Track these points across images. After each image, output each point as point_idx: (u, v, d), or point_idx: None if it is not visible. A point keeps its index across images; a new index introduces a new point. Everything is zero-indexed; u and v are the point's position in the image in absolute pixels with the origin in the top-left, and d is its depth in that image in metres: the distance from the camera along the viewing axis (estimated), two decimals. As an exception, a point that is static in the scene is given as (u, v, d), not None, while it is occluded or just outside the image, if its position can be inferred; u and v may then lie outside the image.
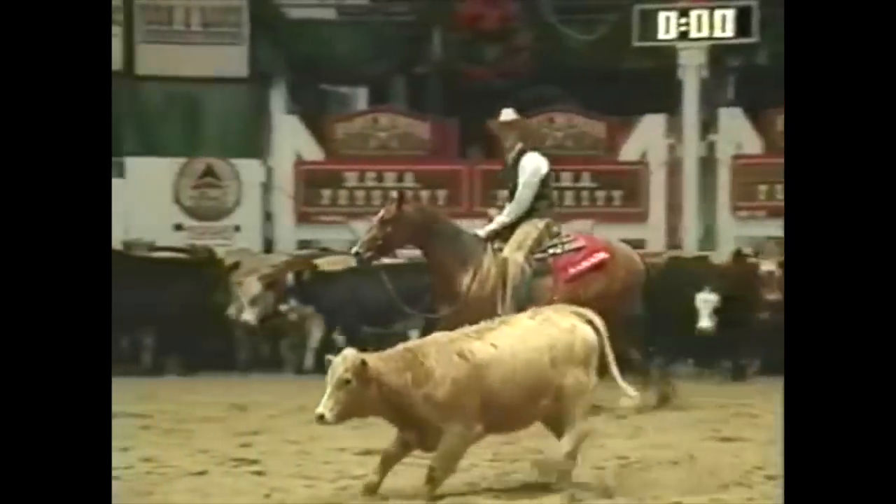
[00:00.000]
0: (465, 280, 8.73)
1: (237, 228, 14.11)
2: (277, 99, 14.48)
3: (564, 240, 9.08)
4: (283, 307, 11.56)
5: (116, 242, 13.45)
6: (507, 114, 9.17)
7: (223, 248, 13.53)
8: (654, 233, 14.05)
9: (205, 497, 5.79)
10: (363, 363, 5.53)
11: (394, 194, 9.67)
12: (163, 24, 14.27)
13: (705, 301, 11.20)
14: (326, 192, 14.11)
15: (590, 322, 5.84)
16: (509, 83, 14.26)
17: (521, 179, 9.00)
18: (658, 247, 13.81)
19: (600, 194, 14.07)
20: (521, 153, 9.07)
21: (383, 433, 7.47)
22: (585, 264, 9.02)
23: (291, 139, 14.25)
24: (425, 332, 11.06)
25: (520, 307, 8.28)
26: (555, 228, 9.12)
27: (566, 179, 14.00)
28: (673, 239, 14.06)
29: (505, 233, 9.04)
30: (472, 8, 14.38)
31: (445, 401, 5.51)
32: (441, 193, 13.94)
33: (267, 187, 14.22)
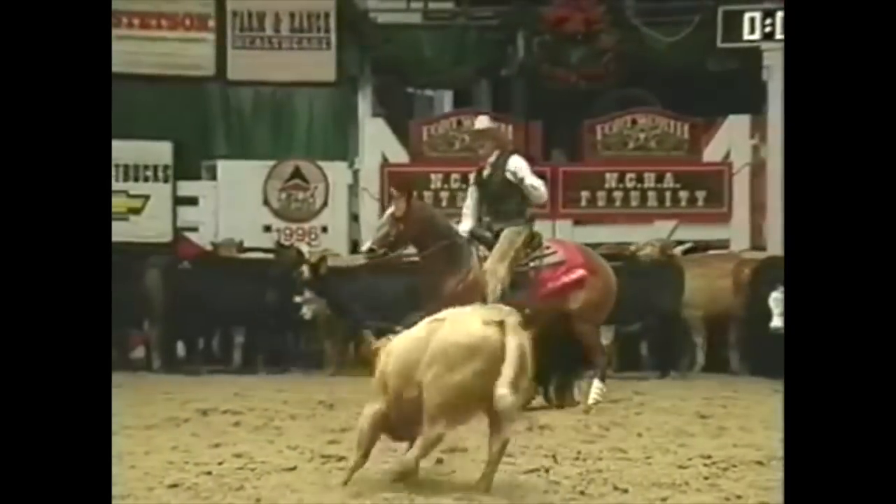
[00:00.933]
0: (452, 284, 8.73)
1: (324, 229, 14.20)
2: (364, 102, 14.50)
3: (545, 252, 9.06)
4: (297, 298, 11.60)
5: (206, 244, 13.78)
6: (483, 121, 9.13)
7: (310, 248, 13.67)
8: (737, 233, 13.92)
9: (294, 492, 5.85)
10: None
11: (393, 191, 9.66)
12: (254, 29, 14.40)
13: (777, 300, 11.02)
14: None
15: (501, 323, 5.56)
16: (593, 85, 14.36)
17: (521, 175, 8.93)
18: (742, 247, 13.69)
19: (683, 195, 13.97)
20: (502, 158, 9.00)
21: (464, 432, 7.58)
22: (565, 280, 9.03)
23: (377, 142, 14.29)
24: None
25: None
26: (536, 239, 9.10)
27: (649, 180, 14.01)
28: (757, 240, 13.90)
29: (489, 240, 9.02)
30: (557, 11, 14.35)
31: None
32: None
33: (353, 189, 14.27)
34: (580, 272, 9.06)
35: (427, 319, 5.79)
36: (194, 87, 14.32)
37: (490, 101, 15.39)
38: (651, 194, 13.92)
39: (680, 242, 13.45)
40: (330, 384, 10.68)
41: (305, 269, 11.64)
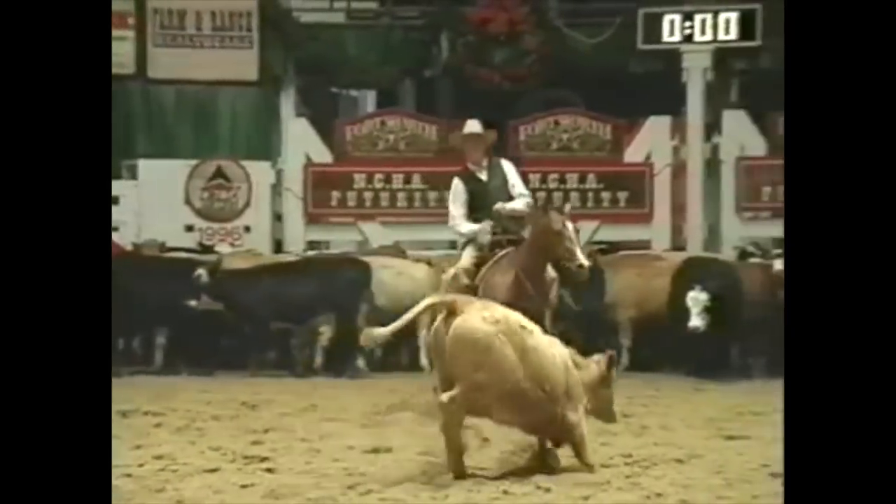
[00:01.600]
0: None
1: (247, 229, 14.17)
2: (287, 102, 14.56)
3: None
4: (192, 303, 11.56)
5: (127, 244, 13.59)
6: (475, 125, 8.93)
7: (232, 249, 13.61)
8: (658, 233, 14.06)
9: (216, 493, 5.80)
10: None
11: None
12: (175, 27, 14.32)
13: (696, 300, 11.15)
14: (335, 194, 14.19)
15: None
16: (517, 86, 14.52)
17: (514, 181, 8.80)
18: (662, 247, 13.81)
19: (605, 195, 14.13)
20: (495, 162, 8.91)
21: (391, 432, 7.57)
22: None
23: (301, 141, 14.31)
24: (339, 326, 11.43)
25: None
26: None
27: (571, 181, 14.12)
28: (677, 240, 14.05)
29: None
30: (481, 12, 14.44)
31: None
32: (448, 195, 13.97)
33: (277, 189, 14.30)
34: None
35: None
36: (115, 85, 13.86)
37: (414, 101, 15.48)
38: (573, 194, 13.97)
39: (597, 244, 13.65)
40: (253, 385, 10.59)
41: (203, 272, 11.55)
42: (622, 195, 14.08)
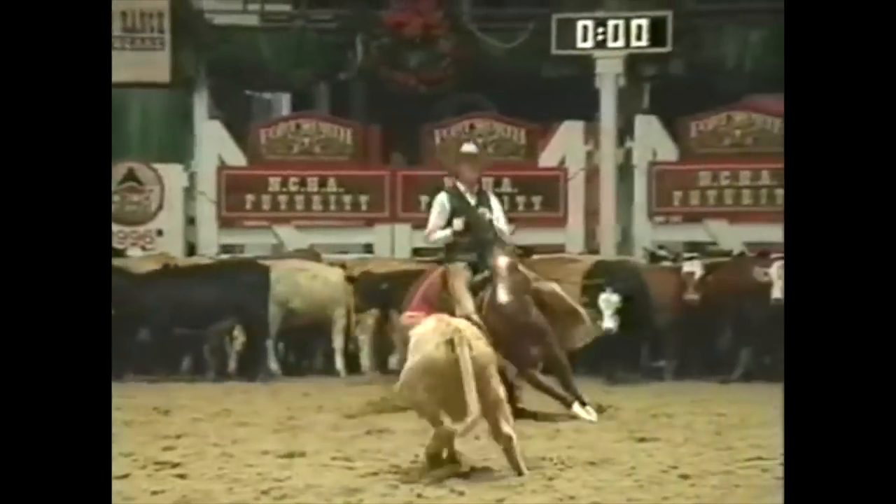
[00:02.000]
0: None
1: (160, 233, 14.06)
2: (200, 104, 14.43)
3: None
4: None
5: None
6: (470, 147, 9.17)
7: (144, 253, 13.54)
8: (572, 237, 14.17)
9: (126, 500, 5.74)
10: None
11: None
12: None
13: (608, 302, 11.22)
14: (249, 197, 14.13)
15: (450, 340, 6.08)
16: (432, 90, 14.42)
17: (498, 217, 8.96)
18: (576, 251, 13.94)
19: (520, 199, 14.13)
20: (484, 191, 9.12)
21: (305, 437, 7.56)
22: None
23: (214, 144, 14.22)
24: (248, 333, 11.46)
25: None
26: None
27: (487, 185, 13.85)
28: (591, 244, 14.17)
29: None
30: (396, 15, 14.42)
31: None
32: (363, 199, 13.96)
33: (190, 192, 14.18)
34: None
35: (438, 336, 6.05)
36: None
37: (329, 104, 15.46)
38: None
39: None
40: (165, 390, 10.49)
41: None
42: (537, 199, 14.13)
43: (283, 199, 14.09)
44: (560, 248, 14.01)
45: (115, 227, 13.76)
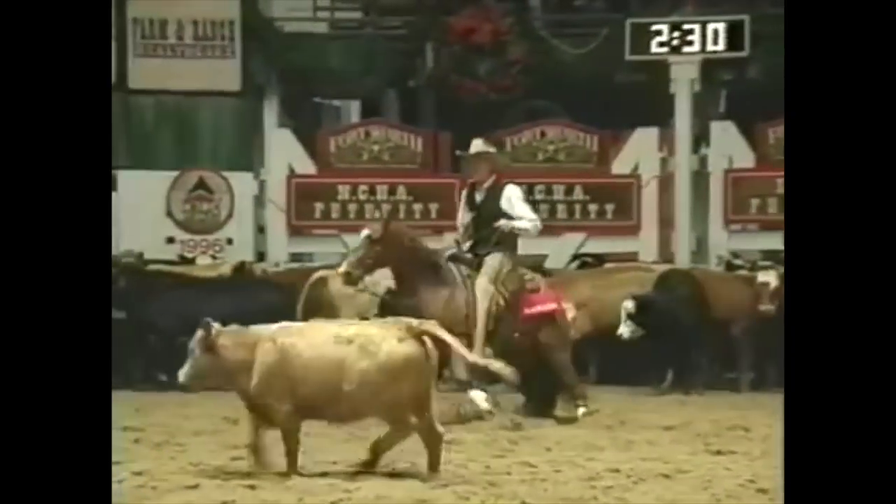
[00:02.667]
0: (437, 305, 8.81)
1: (229, 241, 14.08)
2: (270, 112, 14.43)
3: (525, 279, 9.26)
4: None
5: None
6: (478, 145, 9.16)
7: (213, 261, 13.67)
8: (645, 246, 14.03)
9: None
10: (206, 335, 6.40)
11: (377, 213, 9.83)
12: (156, 37, 14.26)
13: (624, 308, 11.19)
14: (318, 205, 14.10)
15: (421, 334, 6.24)
16: (501, 97, 14.38)
17: (515, 206, 9.04)
18: (650, 259, 13.81)
19: (592, 207, 14.03)
20: (498, 185, 9.08)
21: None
22: (538, 308, 9.22)
23: (284, 152, 14.22)
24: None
25: (488, 339, 8.75)
26: (519, 270, 9.30)
27: (558, 192, 14.08)
28: (665, 252, 14.04)
29: (471, 261, 9.14)
30: (465, 22, 14.38)
31: (257, 381, 6.35)
32: (433, 207, 13.93)
33: (259, 200, 14.18)
34: (552, 305, 9.31)
35: (327, 334, 6.26)
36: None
37: (398, 112, 15.42)
38: (560, 206, 13.96)
39: (583, 256, 13.66)
40: (234, 400, 10.50)
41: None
42: (609, 207, 14.01)
43: (352, 207, 14.08)
44: (633, 257, 13.90)
45: (184, 236, 14.03)
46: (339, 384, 6.18)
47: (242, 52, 14.24)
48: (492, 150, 9.25)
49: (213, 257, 13.80)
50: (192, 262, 13.43)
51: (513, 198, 9.01)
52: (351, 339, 6.21)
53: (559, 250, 13.80)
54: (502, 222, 8.86)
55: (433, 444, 6.27)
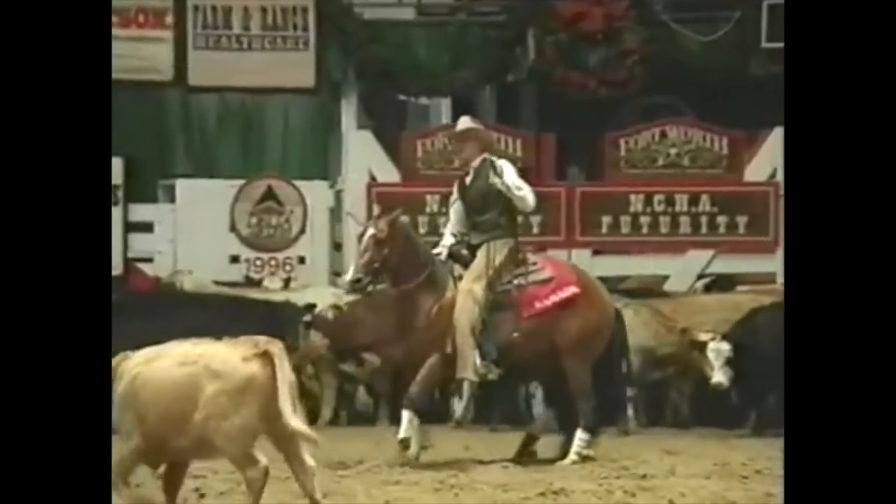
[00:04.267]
0: (425, 311, 8.89)
1: (302, 260, 14.10)
2: (348, 112, 14.45)
3: (530, 268, 9.13)
4: None
5: (164, 276, 13.51)
6: (465, 122, 9.26)
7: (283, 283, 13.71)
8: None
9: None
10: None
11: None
12: (219, 27, 14.34)
13: (717, 352, 11.09)
14: (404, 219, 13.93)
15: (265, 354, 6.29)
16: (616, 92, 14.34)
17: (509, 180, 9.02)
18: (790, 282, 13.46)
19: (721, 220, 13.96)
20: (486, 162, 9.14)
21: (468, 497, 7.46)
22: (553, 299, 9.05)
23: (364, 158, 14.21)
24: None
25: (477, 345, 8.77)
26: (520, 255, 9.20)
27: (681, 203, 13.98)
28: (808, 273, 13.68)
29: (468, 258, 9.14)
30: (573, 6, 14.33)
31: (115, 411, 6.37)
32: (535, 220, 13.78)
33: (336, 213, 14.16)
34: (571, 289, 9.08)
35: (173, 356, 6.33)
36: (150, 93, 14.18)
37: (495, 111, 15.42)
38: (684, 219, 13.90)
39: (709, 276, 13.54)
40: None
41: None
42: (741, 220, 13.90)
43: (442, 220, 13.72)
44: (770, 279, 13.62)
45: (251, 254, 14.09)
46: (188, 412, 6.26)
47: (317, 44, 14.26)
48: (480, 126, 9.40)
49: (287, 280, 13.79)
50: (258, 283, 13.53)
51: (504, 169, 9.06)
52: (196, 360, 6.30)
53: (682, 270, 13.75)
54: (495, 179, 8.90)
55: (256, 477, 6.22)
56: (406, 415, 8.78)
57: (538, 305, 8.97)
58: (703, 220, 13.88)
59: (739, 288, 13.36)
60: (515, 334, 8.86)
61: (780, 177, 13.77)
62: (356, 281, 9.05)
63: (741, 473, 8.56)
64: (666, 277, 13.35)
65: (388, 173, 14.17)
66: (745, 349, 11.20)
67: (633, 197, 13.89)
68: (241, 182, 14.16)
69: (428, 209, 14.00)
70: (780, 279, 13.43)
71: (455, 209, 9.26)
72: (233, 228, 14.06)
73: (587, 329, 9.09)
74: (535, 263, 9.15)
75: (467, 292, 8.84)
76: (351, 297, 12.76)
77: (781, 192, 13.66)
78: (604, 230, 13.96)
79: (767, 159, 13.93)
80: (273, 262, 14.00)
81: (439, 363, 8.79)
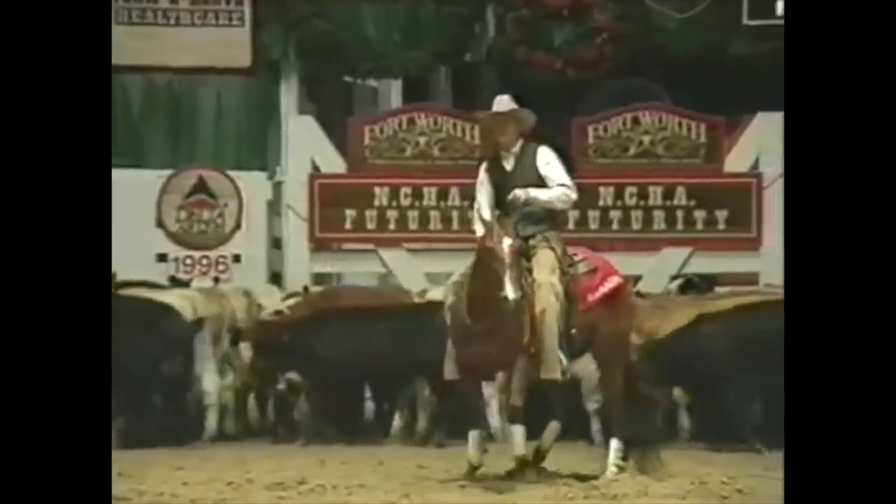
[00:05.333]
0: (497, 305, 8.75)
1: (237, 259, 13.98)
2: (288, 95, 14.40)
3: (577, 259, 9.19)
4: None
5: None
6: (506, 102, 9.25)
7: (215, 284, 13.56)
8: (769, 264, 13.63)
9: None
10: None
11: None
12: (144, 1, 14.28)
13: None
14: (350, 213, 14.02)
15: None
16: (583, 74, 14.31)
17: (553, 171, 9.07)
18: (775, 281, 13.18)
19: (699, 215, 13.91)
20: (529, 148, 9.20)
21: None
22: (603, 290, 9.11)
23: (306, 146, 14.12)
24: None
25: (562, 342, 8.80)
26: (564, 247, 9.31)
27: (655, 196, 14.00)
28: (794, 272, 13.68)
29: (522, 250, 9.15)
30: (537, -21, 14.46)
31: None
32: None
33: (275, 207, 14.15)
34: (616, 280, 9.17)
35: None
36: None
37: (451, 94, 15.44)
38: (658, 214, 13.88)
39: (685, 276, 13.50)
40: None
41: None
42: (721, 214, 13.89)
43: (392, 214, 13.99)
44: (752, 279, 13.68)
45: (180, 252, 14.06)
46: None
47: (253, 19, 14.20)
48: (519, 107, 9.34)
49: (217, 279, 13.67)
50: (186, 284, 13.29)
51: (552, 161, 9.11)
52: None
53: (656, 269, 13.74)
54: (517, 192, 8.89)
55: None
56: (519, 430, 8.74)
57: (590, 298, 8.99)
58: (679, 214, 13.85)
59: (719, 289, 13.30)
60: (573, 330, 8.90)
61: (762, 167, 13.89)
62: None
63: (721, 493, 8.52)
64: (639, 277, 13.17)
65: (333, 163, 14.08)
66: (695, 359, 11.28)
67: (602, 189, 13.81)
68: (168, 172, 14.06)
69: (377, 202, 13.99)
70: (764, 280, 13.62)
71: (486, 195, 9.13)
72: (160, 224, 14.00)
73: (629, 325, 9.33)
74: (575, 254, 9.21)
75: (549, 286, 8.81)
76: (292, 301, 12.87)
77: (764, 184, 13.89)
78: (570, 226, 13.69)
79: (749, 148, 13.97)
80: (205, 262, 13.94)
81: (527, 366, 8.78)
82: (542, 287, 8.79)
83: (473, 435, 8.78)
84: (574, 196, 9.11)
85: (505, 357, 8.70)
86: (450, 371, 8.83)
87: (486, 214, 8.89)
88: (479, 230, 8.95)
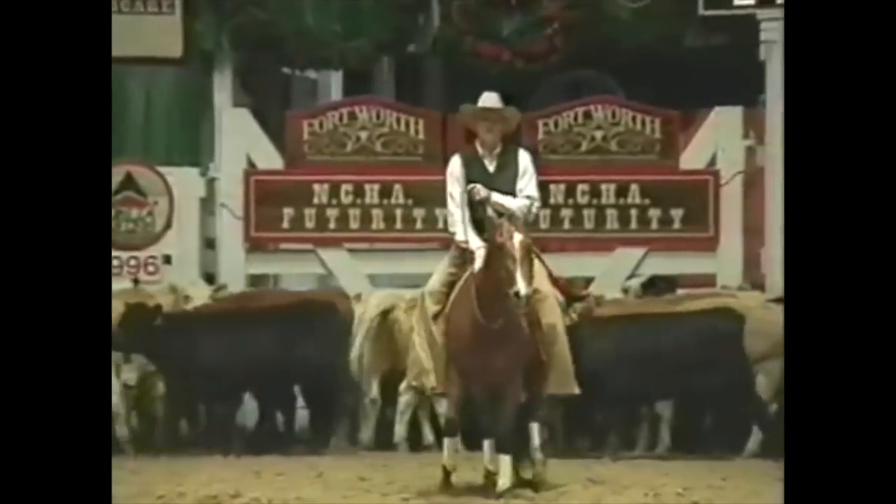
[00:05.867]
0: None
1: (167, 260, 13.96)
2: (222, 87, 14.31)
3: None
4: None
5: None
6: (493, 99, 9.39)
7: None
8: (726, 265, 13.84)
9: None
10: None
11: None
12: None
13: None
14: (287, 211, 14.00)
15: None
16: (532, 65, 14.33)
17: (528, 178, 9.27)
18: (732, 283, 13.57)
19: (654, 214, 13.95)
20: (511, 151, 9.36)
21: None
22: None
23: (240, 140, 14.10)
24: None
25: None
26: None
27: (608, 194, 13.95)
28: (753, 274, 13.77)
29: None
30: (484, -33, 14.53)
31: None
32: (440, 213, 13.69)
33: (208, 204, 14.09)
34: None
35: None
36: None
37: (394, 86, 15.58)
38: (611, 213, 13.91)
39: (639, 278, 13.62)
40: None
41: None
42: (676, 213, 13.91)
43: (332, 213, 13.97)
44: (709, 281, 13.72)
45: None
46: None
47: (184, 7, 14.08)
48: (507, 106, 9.51)
49: (136, 281, 13.55)
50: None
51: (528, 170, 9.29)
52: None
53: (609, 271, 13.78)
54: (478, 187, 9.04)
55: None
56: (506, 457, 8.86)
57: None
58: (633, 213, 13.87)
59: (679, 292, 13.43)
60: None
61: (720, 164, 13.91)
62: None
63: (676, 504, 8.69)
64: (591, 279, 13.27)
65: (270, 159, 14.06)
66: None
67: (553, 187, 13.75)
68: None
69: (316, 200, 13.95)
70: (721, 282, 13.71)
71: (460, 195, 9.23)
72: (86, 222, 13.93)
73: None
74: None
75: (553, 297, 9.02)
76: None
77: (722, 181, 13.91)
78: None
79: (706, 144, 13.97)
80: (133, 262, 13.85)
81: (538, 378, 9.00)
82: (547, 298, 8.97)
83: (448, 442, 8.87)
84: (536, 211, 9.28)
85: (514, 364, 8.81)
86: (446, 383, 8.87)
87: (461, 228, 9.09)
88: (459, 237, 9.12)
